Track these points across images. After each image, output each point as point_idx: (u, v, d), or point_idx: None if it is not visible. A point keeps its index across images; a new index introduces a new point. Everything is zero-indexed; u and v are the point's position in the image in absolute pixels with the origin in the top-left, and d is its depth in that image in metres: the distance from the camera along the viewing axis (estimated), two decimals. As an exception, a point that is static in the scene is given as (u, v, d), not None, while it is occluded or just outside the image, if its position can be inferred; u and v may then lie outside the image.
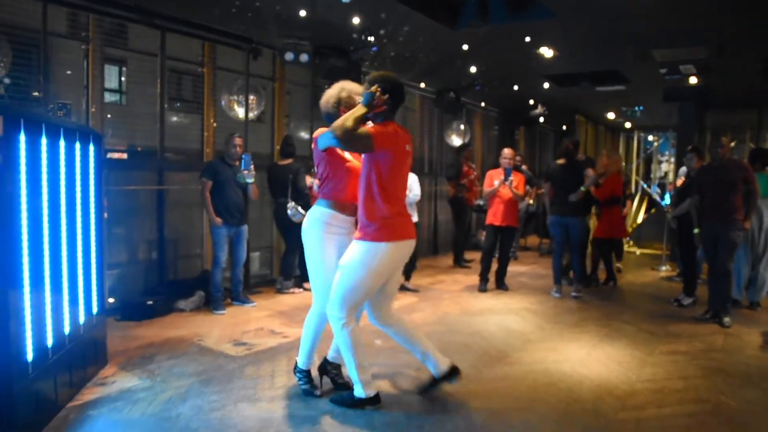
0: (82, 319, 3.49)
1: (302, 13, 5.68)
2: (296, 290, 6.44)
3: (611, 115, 13.77)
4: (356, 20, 5.96)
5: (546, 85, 9.28)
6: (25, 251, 2.72)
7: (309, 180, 6.05)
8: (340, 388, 3.50)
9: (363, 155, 3.15)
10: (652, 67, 7.64)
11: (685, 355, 4.41)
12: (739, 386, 3.76)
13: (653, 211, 12.51)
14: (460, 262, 8.53)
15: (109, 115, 5.95)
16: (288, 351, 4.28)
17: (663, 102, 9.60)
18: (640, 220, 12.01)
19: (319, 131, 3.25)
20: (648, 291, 7.04)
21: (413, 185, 5.69)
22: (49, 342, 2.99)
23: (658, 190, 14.68)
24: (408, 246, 3.25)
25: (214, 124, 6.53)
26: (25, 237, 2.71)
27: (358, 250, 3.12)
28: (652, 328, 5.16)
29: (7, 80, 2.94)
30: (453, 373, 3.42)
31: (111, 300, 5.21)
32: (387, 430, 3.02)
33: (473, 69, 8.28)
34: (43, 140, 2.90)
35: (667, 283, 7.58)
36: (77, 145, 3.39)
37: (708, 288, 5.61)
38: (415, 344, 3.43)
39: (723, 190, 5.31)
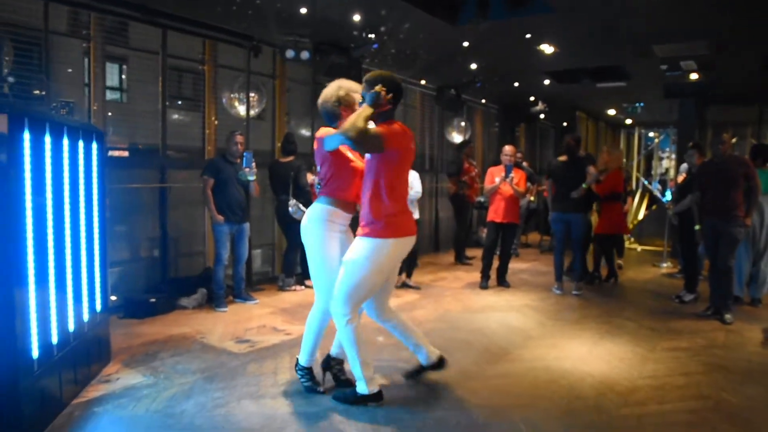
0: (86, 316, 3.50)
1: (303, 10, 5.69)
2: (298, 287, 6.45)
3: (612, 112, 13.77)
4: (357, 17, 5.97)
5: (546, 82, 9.28)
6: (30, 249, 2.73)
7: (310, 177, 6.06)
8: (343, 385, 3.52)
9: (367, 154, 3.19)
10: (653, 64, 7.65)
11: (687, 352, 4.42)
12: (741, 383, 3.78)
13: (654, 207, 12.54)
14: (461, 259, 8.54)
15: (109, 113, 5.95)
16: (291, 348, 4.29)
17: (664, 98, 9.60)
18: (641, 216, 12.03)
19: (324, 131, 3.26)
20: (649, 288, 7.05)
21: (414, 183, 5.70)
22: (54, 339, 3.01)
23: (659, 187, 14.70)
24: (410, 242, 3.32)
25: (216, 122, 6.54)
26: (30, 235, 2.72)
27: (363, 246, 3.16)
28: (654, 325, 5.18)
29: (11, 79, 2.94)
30: (440, 363, 3.63)
31: (113, 298, 5.22)
32: (390, 427, 3.04)
33: (474, 66, 8.28)
34: (47, 139, 2.92)
35: (668, 279, 7.59)
36: (80, 144, 3.40)
37: (709, 284, 5.62)
38: (409, 337, 3.58)
39: (724, 186, 5.31)
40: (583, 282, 6.66)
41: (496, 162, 7.60)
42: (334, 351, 3.61)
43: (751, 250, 6.00)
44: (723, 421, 3.19)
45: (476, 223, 10.48)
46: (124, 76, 8.52)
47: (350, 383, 3.43)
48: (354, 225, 3.46)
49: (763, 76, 7.68)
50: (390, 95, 3.12)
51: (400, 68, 7.98)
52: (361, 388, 3.26)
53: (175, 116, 7.82)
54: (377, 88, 3.08)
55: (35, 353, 2.78)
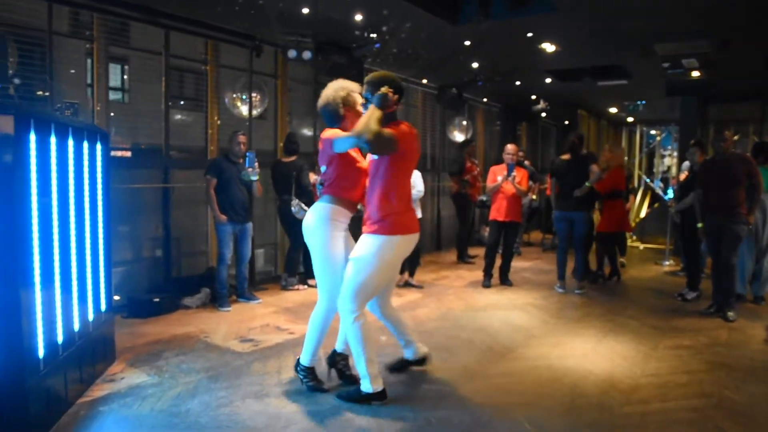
0: (91, 316, 3.52)
1: (305, 10, 5.70)
2: (301, 287, 6.47)
3: (613, 110, 13.76)
4: (358, 17, 5.98)
5: (548, 80, 9.28)
6: (36, 249, 2.75)
7: (312, 177, 6.07)
8: (347, 381, 3.53)
9: (375, 155, 3.23)
10: (654, 62, 7.64)
11: (689, 350, 4.43)
12: (743, 380, 3.79)
13: (656, 205, 12.53)
14: (463, 258, 8.55)
15: (111, 113, 5.97)
16: (294, 347, 4.30)
17: (665, 96, 9.59)
18: (643, 214, 12.02)
19: (332, 133, 3.29)
20: (652, 286, 7.06)
21: (417, 182, 5.72)
22: (60, 339, 3.03)
23: (661, 185, 14.68)
24: (415, 239, 3.40)
25: (218, 122, 6.56)
26: (35, 235, 2.74)
27: (371, 243, 3.21)
28: (656, 323, 5.18)
29: (16, 80, 2.96)
30: (423, 359, 3.81)
31: (117, 297, 5.24)
32: (394, 425, 3.05)
33: (475, 65, 8.28)
34: (53, 140, 2.93)
35: (670, 277, 7.60)
36: (85, 144, 3.42)
37: (712, 282, 5.63)
38: (404, 333, 3.73)
39: (726, 184, 5.32)
40: (586, 281, 6.66)
41: (498, 161, 7.62)
42: (339, 347, 3.64)
43: (754, 247, 6.01)
44: (725, 418, 3.20)
45: (478, 222, 10.48)
46: (125, 77, 8.54)
47: (355, 379, 3.45)
48: (354, 224, 3.49)
49: (765, 74, 7.67)
50: (397, 96, 3.19)
51: (401, 68, 8.00)
52: (366, 386, 3.27)
53: (178, 116, 7.84)
54: (384, 89, 3.12)
55: (41, 352, 2.80)
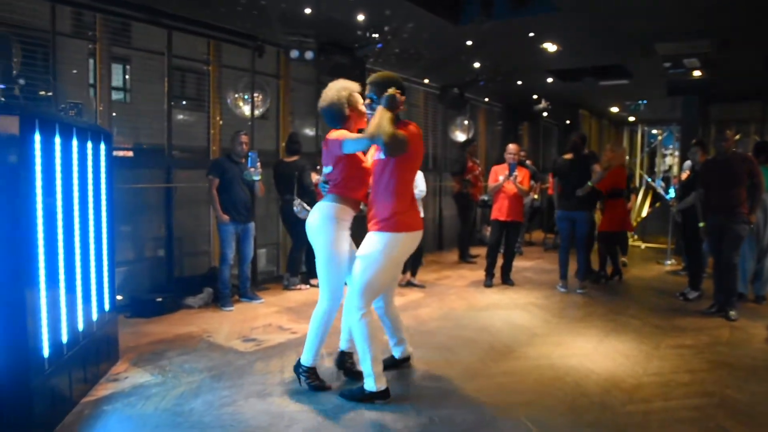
0: (95, 315, 3.54)
1: (307, 10, 5.71)
2: (303, 287, 6.48)
3: (615, 109, 13.76)
4: (361, 17, 5.99)
5: (549, 80, 9.29)
6: (41, 249, 2.76)
7: (315, 177, 6.08)
8: (356, 377, 3.54)
9: (377, 154, 3.28)
10: (656, 61, 7.64)
11: (691, 349, 4.44)
12: (745, 379, 3.79)
13: (658, 204, 12.53)
14: (465, 258, 8.56)
15: (114, 114, 5.99)
16: (297, 347, 4.30)
17: (667, 96, 9.60)
18: (644, 214, 12.02)
19: (339, 134, 3.31)
20: (653, 285, 7.06)
21: (419, 182, 5.72)
22: (64, 338, 3.04)
23: (663, 184, 14.68)
24: (419, 236, 3.45)
25: (220, 122, 6.57)
26: (40, 235, 2.75)
27: (378, 240, 3.27)
28: (658, 322, 5.19)
29: (21, 81, 2.98)
30: (408, 359, 3.92)
31: (119, 297, 5.25)
32: (397, 424, 3.06)
33: (477, 65, 8.29)
34: (57, 140, 2.95)
35: (672, 277, 7.60)
36: (89, 144, 3.43)
37: (713, 282, 5.64)
38: (399, 331, 3.83)
39: (728, 183, 5.32)
40: (589, 280, 6.67)
41: (500, 160, 7.63)
42: (344, 346, 3.68)
43: (755, 247, 6.01)
44: (727, 417, 3.21)
45: (480, 222, 10.49)
46: (127, 77, 8.56)
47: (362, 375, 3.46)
48: (356, 224, 3.51)
49: (766, 74, 7.67)
50: (404, 97, 3.24)
51: (403, 68, 8.01)
52: (370, 384, 3.28)
53: (180, 116, 7.87)
54: (391, 90, 3.17)
55: (46, 352, 2.81)
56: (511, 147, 6.69)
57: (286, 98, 7.25)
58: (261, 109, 6.83)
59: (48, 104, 4.84)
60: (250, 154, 5.43)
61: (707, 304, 5.69)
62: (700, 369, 3.99)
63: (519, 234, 7.91)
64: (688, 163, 6.89)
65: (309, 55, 6.37)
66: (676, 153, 14.32)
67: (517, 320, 5.24)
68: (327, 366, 3.88)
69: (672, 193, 8.97)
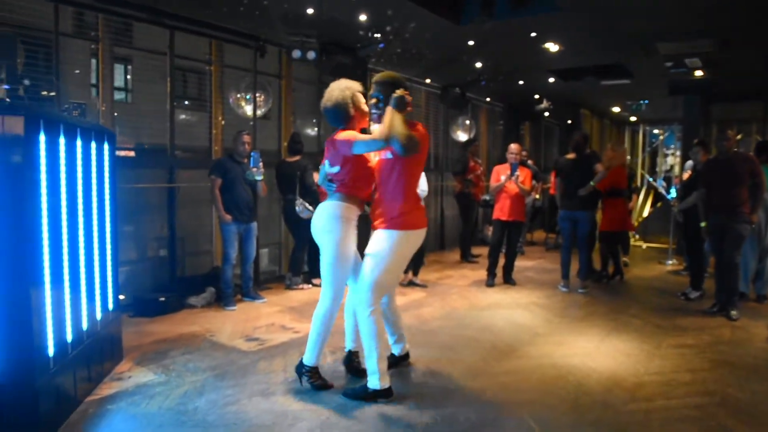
0: (98, 315, 3.55)
1: (309, 10, 5.72)
2: (305, 286, 6.49)
3: (616, 109, 13.76)
4: (363, 17, 6.00)
5: (551, 80, 9.29)
6: (46, 249, 2.78)
7: (317, 177, 6.09)
8: (360, 376, 3.56)
9: (384, 154, 3.34)
10: (657, 61, 7.65)
11: (693, 348, 4.45)
12: (746, 378, 3.80)
13: (659, 204, 12.52)
14: (467, 258, 8.57)
15: (116, 113, 6.01)
16: (299, 346, 4.32)
17: (668, 95, 9.60)
18: (646, 213, 12.02)
19: (350, 134, 3.33)
20: (655, 285, 7.07)
21: (421, 182, 5.70)
22: (69, 337, 3.06)
23: (664, 184, 14.67)
24: (424, 233, 3.53)
25: (222, 122, 6.58)
26: (45, 235, 2.77)
27: (387, 238, 3.33)
28: (660, 322, 5.20)
29: (26, 81, 2.99)
30: (406, 356, 3.95)
31: (122, 297, 5.27)
32: (400, 423, 3.07)
33: (478, 64, 8.30)
34: (62, 140, 2.96)
35: (673, 276, 7.61)
36: (93, 144, 3.45)
37: (715, 281, 5.65)
38: (398, 329, 3.85)
39: (729, 183, 5.33)
40: (590, 280, 6.68)
41: (501, 160, 7.64)
42: (350, 345, 3.72)
43: (757, 246, 6.02)
44: (729, 416, 3.22)
45: (482, 222, 10.50)
46: (128, 77, 8.57)
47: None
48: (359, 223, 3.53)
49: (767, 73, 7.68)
50: (411, 98, 3.29)
51: (405, 67, 8.02)
52: (374, 382, 3.30)
53: (182, 116, 7.89)
54: (400, 92, 3.22)
55: (51, 351, 2.83)
56: (513, 147, 6.70)
57: (288, 98, 7.26)
58: (263, 109, 6.85)
59: (51, 104, 4.86)
60: (252, 154, 5.45)
61: (709, 303, 5.69)
62: (701, 368, 4.00)
63: (521, 234, 7.92)
64: (689, 162, 6.90)
65: (311, 55, 6.38)
66: (678, 153, 14.34)
67: (519, 320, 5.26)
68: (330, 365, 3.90)
69: (673, 193, 8.97)
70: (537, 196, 9.77)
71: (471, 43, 7.02)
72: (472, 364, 4.01)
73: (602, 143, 14.73)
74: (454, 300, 6.03)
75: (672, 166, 16.61)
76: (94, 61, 5.67)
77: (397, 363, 3.86)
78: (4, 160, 2.56)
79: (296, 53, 6.36)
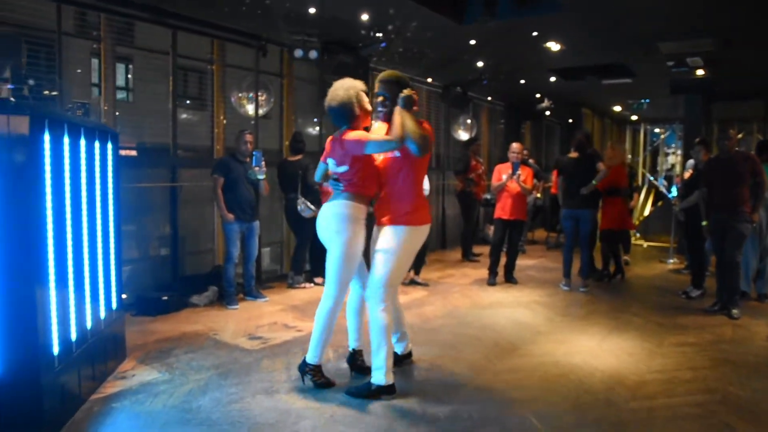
0: (102, 314, 3.57)
1: (311, 10, 5.73)
2: (307, 285, 6.51)
3: (617, 108, 13.76)
4: (365, 16, 6.01)
5: (552, 79, 9.30)
6: (51, 248, 2.79)
7: (318, 175, 6.10)
8: (364, 375, 3.56)
9: (397, 152, 3.36)
10: (658, 60, 7.65)
11: (694, 347, 4.46)
12: (747, 377, 3.82)
13: (660, 203, 12.52)
14: (468, 256, 8.58)
15: (117, 113, 6.02)
16: (302, 344, 4.32)
17: (669, 94, 9.59)
18: (647, 212, 12.02)
19: (360, 134, 3.34)
20: (656, 283, 7.08)
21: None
22: (73, 336, 3.07)
23: (665, 183, 14.66)
24: (428, 229, 3.59)
25: (224, 121, 6.60)
26: (50, 234, 2.78)
27: (396, 234, 3.38)
28: (661, 320, 5.21)
29: (31, 81, 3.00)
30: (409, 355, 3.99)
31: (124, 296, 5.28)
32: (403, 420, 3.09)
33: (480, 63, 8.31)
34: (66, 140, 2.97)
35: (675, 275, 7.62)
36: (96, 144, 3.46)
37: (716, 280, 5.65)
38: (401, 326, 3.87)
39: (730, 182, 5.34)
40: (591, 279, 6.69)
41: (503, 159, 7.63)
42: (354, 344, 3.72)
43: (758, 245, 6.02)
44: (730, 414, 3.23)
45: (483, 221, 10.51)
46: (130, 76, 8.59)
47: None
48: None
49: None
50: (418, 97, 3.33)
51: (407, 67, 8.02)
52: (379, 377, 3.32)
53: (183, 115, 7.89)
54: (407, 91, 3.27)
55: (56, 349, 2.84)
56: (515, 146, 6.70)
57: (290, 97, 7.28)
58: (265, 109, 6.86)
59: (54, 104, 4.87)
60: (254, 153, 5.46)
61: (710, 302, 5.71)
62: (702, 366, 4.01)
63: (522, 232, 7.92)
64: (691, 161, 6.90)
65: (313, 54, 6.39)
66: (679, 152, 14.32)
67: (520, 318, 5.27)
68: (333, 363, 3.91)
69: (674, 192, 8.98)
70: (538, 195, 9.78)
71: (473, 42, 7.03)
72: (475, 362, 4.03)
73: (603, 142, 14.73)
74: (455, 299, 6.05)
75: (673, 165, 16.60)
76: (95, 60, 5.67)
77: (400, 361, 3.87)
78: (9, 159, 2.57)
79: (298, 52, 6.37)
